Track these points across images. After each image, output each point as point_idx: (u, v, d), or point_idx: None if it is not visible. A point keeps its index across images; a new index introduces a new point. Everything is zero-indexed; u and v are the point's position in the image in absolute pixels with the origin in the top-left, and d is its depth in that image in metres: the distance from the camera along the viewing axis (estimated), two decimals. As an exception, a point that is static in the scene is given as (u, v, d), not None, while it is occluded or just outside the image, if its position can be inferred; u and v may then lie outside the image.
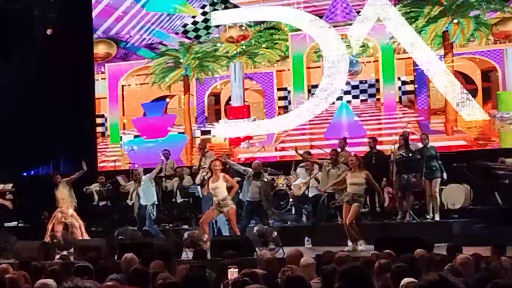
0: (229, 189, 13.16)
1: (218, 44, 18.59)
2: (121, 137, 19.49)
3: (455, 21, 16.42)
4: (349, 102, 17.53)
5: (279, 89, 18.26)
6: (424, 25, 16.71)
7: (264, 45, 18.31)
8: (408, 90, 17.18)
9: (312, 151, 15.77)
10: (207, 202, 13.95)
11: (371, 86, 17.46)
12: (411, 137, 14.93)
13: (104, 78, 19.71)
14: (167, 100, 19.27)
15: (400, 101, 17.23)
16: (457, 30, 16.43)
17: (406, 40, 16.85)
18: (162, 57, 19.11)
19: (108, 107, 19.68)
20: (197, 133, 18.77)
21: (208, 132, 18.66)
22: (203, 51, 18.70)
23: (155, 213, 14.82)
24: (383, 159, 14.61)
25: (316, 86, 17.65)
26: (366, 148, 15.42)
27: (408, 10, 16.86)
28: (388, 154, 14.77)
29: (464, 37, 16.46)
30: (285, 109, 18.14)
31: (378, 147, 15.22)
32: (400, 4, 16.97)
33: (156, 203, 14.95)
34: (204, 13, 18.79)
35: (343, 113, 17.45)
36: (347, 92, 17.54)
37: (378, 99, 17.40)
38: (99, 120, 19.77)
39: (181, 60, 18.86)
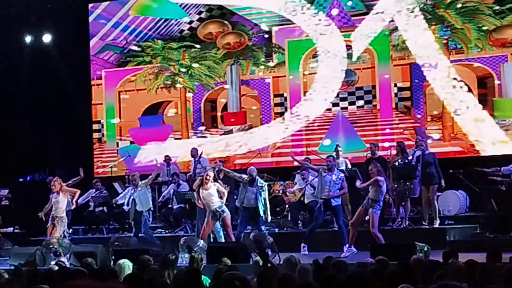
0: (221, 197, 13.56)
1: (214, 50, 18.59)
2: (117, 143, 19.46)
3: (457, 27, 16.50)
4: (345, 109, 17.56)
5: (275, 96, 18.26)
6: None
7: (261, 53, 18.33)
8: (404, 97, 17.19)
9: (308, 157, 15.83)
10: (202, 210, 13.92)
11: (367, 92, 17.49)
12: (406, 143, 14.94)
13: (101, 84, 19.68)
14: (164, 109, 19.22)
15: (396, 107, 17.24)
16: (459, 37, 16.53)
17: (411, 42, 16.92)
18: (157, 62, 19.08)
19: (104, 113, 19.64)
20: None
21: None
22: (199, 56, 18.70)
23: (150, 219, 14.82)
24: (384, 164, 14.52)
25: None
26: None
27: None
28: (388, 160, 14.77)
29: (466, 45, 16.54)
30: (281, 115, 18.10)
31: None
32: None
33: (152, 209, 14.93)
34: (196, 18, 18.84)
35: (340, 126, 17.43)
36: (343, 99, 17.58)
37: (375, 106, 17.40)
38: (95, 126, 19.72)
39: (177, 66, 18.85)
